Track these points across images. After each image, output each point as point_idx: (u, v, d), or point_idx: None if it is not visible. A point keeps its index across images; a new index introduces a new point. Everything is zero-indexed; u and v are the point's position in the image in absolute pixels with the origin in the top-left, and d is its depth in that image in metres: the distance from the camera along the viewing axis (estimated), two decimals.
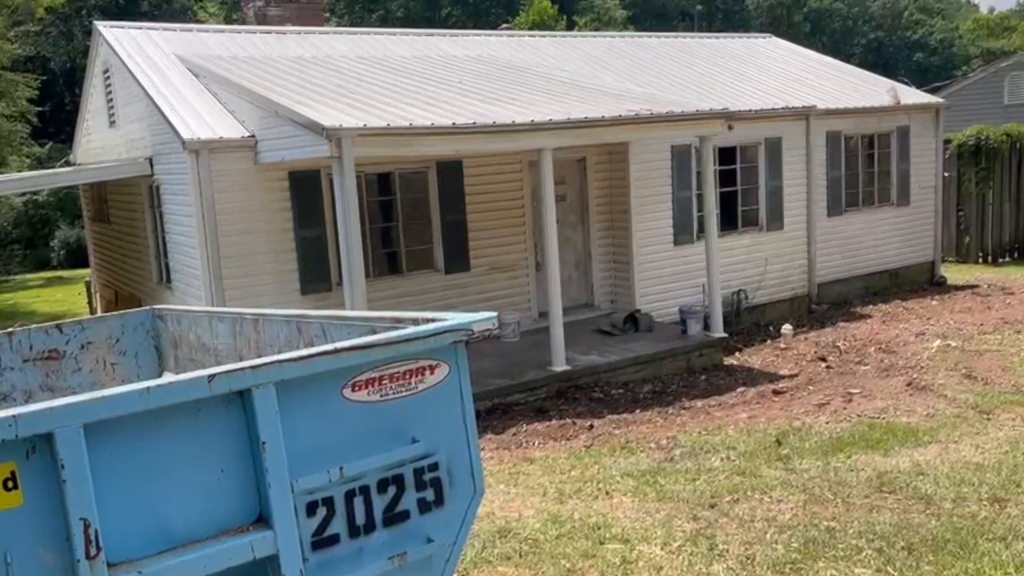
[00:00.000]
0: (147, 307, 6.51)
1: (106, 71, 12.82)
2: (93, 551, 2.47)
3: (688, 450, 7.37)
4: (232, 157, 9.85)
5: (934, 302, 14.48)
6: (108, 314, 7.04)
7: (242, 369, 2.80)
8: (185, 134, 9.67)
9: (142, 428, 2.64)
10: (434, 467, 3.24)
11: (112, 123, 13.02)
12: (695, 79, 14.71)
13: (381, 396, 3.12)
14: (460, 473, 3.31)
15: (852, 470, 6.70)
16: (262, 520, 2.86)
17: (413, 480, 3.19)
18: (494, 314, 3.28)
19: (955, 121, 18.34)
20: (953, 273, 16.85)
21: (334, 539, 3.01)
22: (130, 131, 12.10)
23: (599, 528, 5.28)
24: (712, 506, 5.81)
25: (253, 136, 9.88)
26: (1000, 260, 19.37)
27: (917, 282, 15.77)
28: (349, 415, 3.05)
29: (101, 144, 13.93)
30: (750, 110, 13.01)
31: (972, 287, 15.69)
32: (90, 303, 17.03)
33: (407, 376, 3.17)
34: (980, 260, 19.22)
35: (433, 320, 3.42)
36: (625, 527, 5.33)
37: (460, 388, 3.29)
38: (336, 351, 2.97)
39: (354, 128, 8.30)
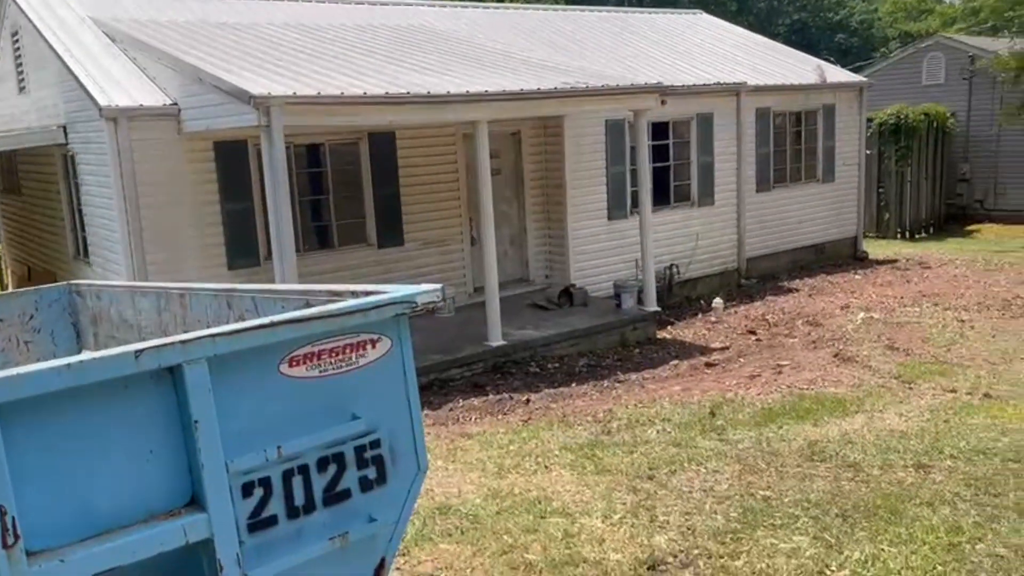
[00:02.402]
0: (64, 282, 6.18)
1: (15, 34, 12.11)
2: (11, 540, 2.30)
3: (625, 423, 7.41)
4: (153, 126, 9.42)
5: (857, 276, 14.91)
6: (20, 290, 6.68)
7: (172, 344, 2.63)
8: (102, 101, 9.21)
9: (63, 408, 2.46)
10: (376, 444, 3.13)
11: (22, 89, 12.33)
12: (628, 54, 14.72)
13: (320, 372, 2.99)
14: (403, 450, 3.21)
15: (784, 440, 6.83)
16: (195, 503, 2.72)
17: (354, 458, 3.08)
18: (438, 286, 3.17)
19: (876, 101, 18.82)
20: (874, 248, 17.39)
21: (272, 520, 2.89)
22: (42, 97, 11.47)
23: (540, 502, 5.26)
24: (650, 478, 5.85)
25: (176, 104, 9.47)
26: (917, 236, 20.09)
27: (841, 257, 16.22)
28: (286, 392, 2.92)
29: (10, 111, 13.18)
30: (683, 85, 13.09)
31: (892, 262, 16.22)
32: (0, 279, 16.22)
33: (347, 351, 3.04)
34: (899, 236, 19.90)
35: (373, 293, 3.30)
36: (566, 501, 5.32)
37: (403, 363, 3.18)
38: (272, 324, 2.82)
39: (283, 96, 8.02)
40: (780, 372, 9.17)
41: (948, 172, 21.16)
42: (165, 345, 2.62)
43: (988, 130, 20.78)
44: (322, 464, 3.01)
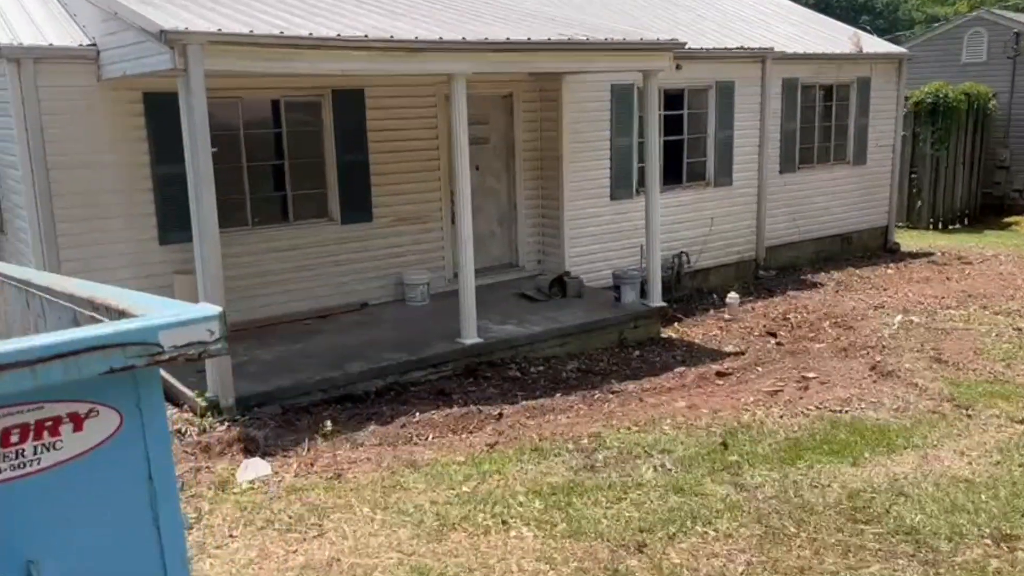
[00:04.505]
0: None
1: None
2: None
3: (614, 454, 5.90)
4: (66, 70, 7.87)
5: (889, 271, 13.29)
6: None
7: None
8: (2, 38, 7.67)
9: None
10: None
11: None
12: (639, 12, 13.04)
13: None
14: None
15: (816, 486, 5.32)
16: None
17: None
18: (215, 311, 1.64)
19: (910, 78, 17.04)
20: (905, 239, 15.72)
21: None
22: None
23: None
24: (640, 548, 4.33)
25: (94, 45, 7.92)
26: (951, 227, 18.38)
27: (870, 248, 14.59)
28: None
29: None
30: (701, 48, 11.44)
31: (927, 255, 14.58)
32: None
33: (19, 436, 1.52)
34: (931, 226, 18.19)
35: (123, 312, 1.78)
36: None
37: (146, 456, 1.66)
38: None
39: (204, 33, 6.44)
40: (806, 387, 7.63)
41: (986, 158, 19.41)
42: None
43: None
44: None
